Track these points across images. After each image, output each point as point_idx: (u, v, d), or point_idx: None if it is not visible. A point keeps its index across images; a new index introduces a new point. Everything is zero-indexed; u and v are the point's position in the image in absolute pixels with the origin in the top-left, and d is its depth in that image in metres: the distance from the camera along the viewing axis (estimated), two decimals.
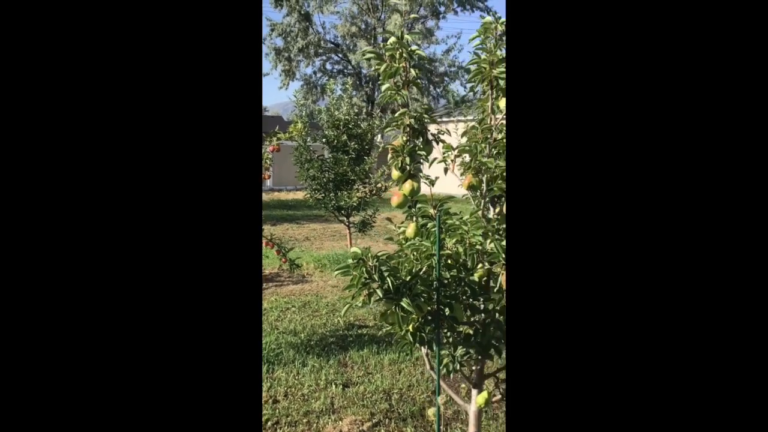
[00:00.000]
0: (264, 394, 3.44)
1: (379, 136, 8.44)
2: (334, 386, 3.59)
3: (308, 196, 7.69)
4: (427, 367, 2.29)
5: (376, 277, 1.68)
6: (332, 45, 22.84)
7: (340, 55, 23.08)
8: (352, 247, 1.76)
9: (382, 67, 1.95)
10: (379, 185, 7.69)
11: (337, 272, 1.79)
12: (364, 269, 1.69)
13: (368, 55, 1.98)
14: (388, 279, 1.67)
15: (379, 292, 1.70)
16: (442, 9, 21.43)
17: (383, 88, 2.03)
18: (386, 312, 1.81)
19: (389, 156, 2.04)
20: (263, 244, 4.00)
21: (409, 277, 1.79)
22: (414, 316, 1.79)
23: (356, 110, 7.76)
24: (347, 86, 7.79)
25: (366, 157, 7.63)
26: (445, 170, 2.16)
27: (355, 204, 7.43)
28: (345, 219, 7.80)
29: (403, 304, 1.70)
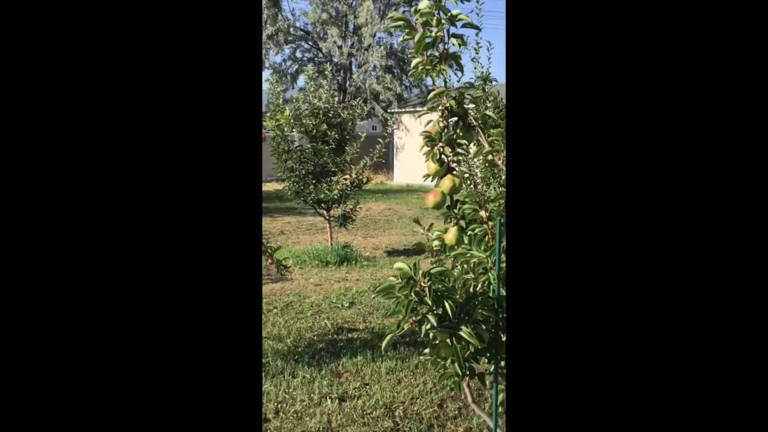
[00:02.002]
0: None
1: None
2: (329, 401, 3.25)
3: (286, 189, 7.28)
4: (469, 400, 1.86)
5: (429, 300, 1.32)
6: (302, 32, 22.26)
7: (310, 43, 22.52)
8: (396, 263, 1.40)
9: (416, 37, 1.60)
10: (361, 177, 7.33)
11: (377, 295, 1.43)
12: (413, 291, 1.34)
13: (396, 23, 1.63)
14: (445, 303, 1.32)
15: (431, 318, 1.35)
16: None
17: (414, 62, 1.68)
18: (438, 344, 1.44)
19: (422, 145, 1.69)
20: None
21: (464, 298, 1.44)
22: (473, 348, 1.43)
23: (337, 98, 7.37)
24: (327, 72, 7.38)
25: (347, 147, 7.25)
26: (491, 165, 1.80)
27: (336, 197, 7.06)
28: (324, 212, 7.42)
29: (462, 334, 1.35)
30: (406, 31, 1.65)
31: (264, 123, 3.57)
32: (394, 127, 17.93)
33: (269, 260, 3.69)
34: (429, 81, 1.84)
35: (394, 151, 19.05)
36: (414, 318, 1.36)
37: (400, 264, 1.39)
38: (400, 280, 1.35)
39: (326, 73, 7.43)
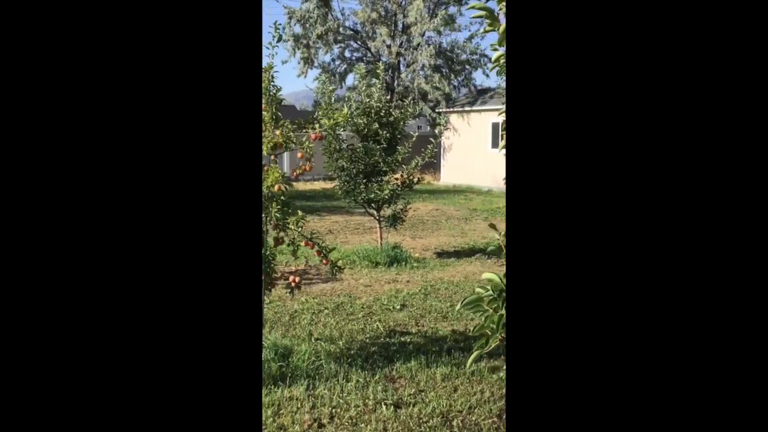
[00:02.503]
0: (306, 417, 3.02)
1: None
2: (384, 407, 3.16)
3: (337, 188, 7.24)
4: None
5: None
6: (351, 32, 22.30)
7: (359, 42, 22.55)
8: (484, 273, 1.30)
9: (501, 29, 1.49)
10: (412, 177, 7.23)
11: (463, 307, 1.32)
12: (505, 305, 1.23)
13: (476, 13, 1.52)
14: None
15: None
16: None
17: (495, 56, 1.57)
18: None
19: (502, 143, 1.58)
20: (303, 244, 3.57)
21: None
22: None
23: (388, 97, 7.28)
24: (379, 71, 7.31)
25: (399, 147, 7.16)
26: None
27: (386, 197, 6.97)
28: (375, 212, 7.35)
29: None
30: (488, 22, 1.54)
31: (322, 121, 3.51)
32: (446, 126, 17.70)
33: (324, 261, 3.63)
34: (477, 81, 1.74)
35: (442, 151, 18.87)
36: (503, 335, 1.25)
37: (490, 275, 1.28)
38: (489, 292, 1.24)
39: (378, 71, 7.35)
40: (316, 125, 3.51)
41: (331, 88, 7.21)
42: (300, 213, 3.41)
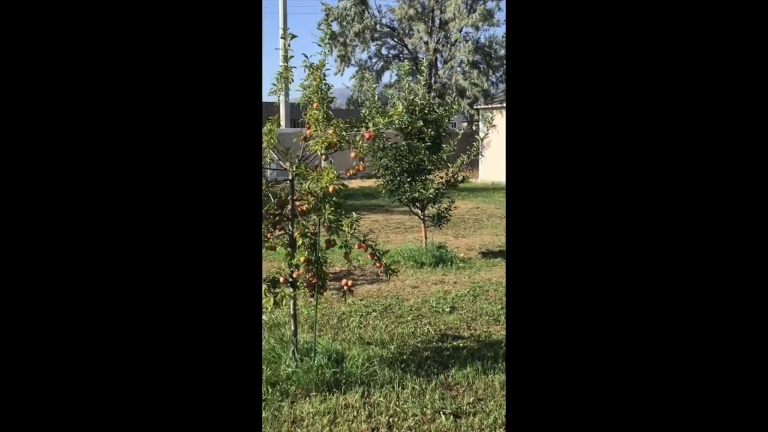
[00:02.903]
0: (364, 426, 2.92)
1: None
2: (443, 416, 3.04)
3: (381, 187, 7.14)
4: None
5: None
6: (388, 29, 22.18)
7: (395, 39, 22.41)
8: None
9: None
10: (457, 175, 7.07)
11: None
12: None
13: None
14: None
15: None
16: None
17: None
18: None
19: None
20: (356, 246, 3.47)
21: None
22: None
23: (432, 95, 7.14)
24: (423, 67, 7.16)
25: (443, 145, 7.01)
26: None
27: (431, 196, 6.83)
28: (419, 212, 7.22)
29: None
30: None
31: (376, 119, 3.41)
32: (491, 123, 17.33)
33: (377, 264, 3.52)
34: None
35: (480, 148, 18.60)
36: None
37: None
38: None
39: (422, 68, 7.21)
40: (369, 123, 3.40)
41: (374, 85, 7.09)
42: (354, 215, 3.31)
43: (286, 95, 14.55)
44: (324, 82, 3.43)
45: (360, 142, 3.37)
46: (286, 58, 3.52)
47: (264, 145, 3.38)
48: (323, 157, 3.40)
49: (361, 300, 5.28)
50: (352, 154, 3.41)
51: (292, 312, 3.56)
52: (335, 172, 3.15)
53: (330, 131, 3.30)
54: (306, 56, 3.37)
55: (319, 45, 3.44)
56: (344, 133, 3.35)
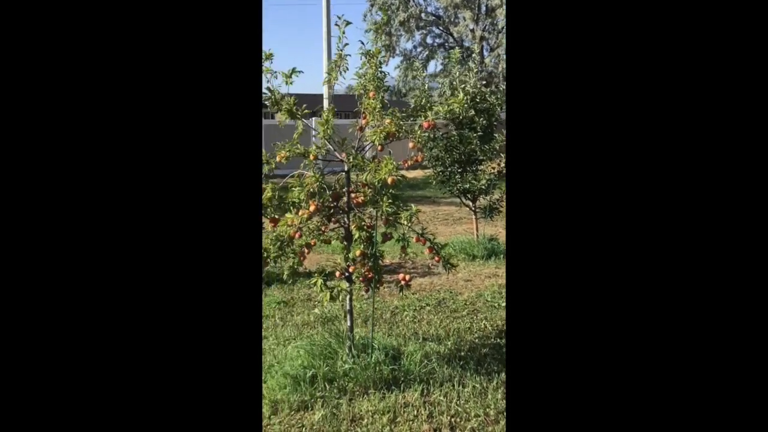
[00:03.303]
0: (425, 426, 2.82)
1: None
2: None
3: (432, 178, 7.00)
4: None
5: None
6: (433, 17, 21.90)
7: (441, 28, 22.11)
8: None
9: None
10: None
11: None
12: None
13: None
14: None
15: None
16: None
17: None
18: None
19: None
20: (414, 240, 3.36)
21: None
22: None
23: (484, 82, 6.95)
24: (475, 54, 6.96)
25: (496, 135, 6.81)
26: None
27: (483, 187, 6.66)
28: (470, 203, 7.05)
29: None
30: None
31: (435, 108, 3.28)
32: None
33: (436, 257, 3.40)
34: None
35: None
36: None
37: None
38: None
39: (474, 55, 7.01)
40: (429, 113, 3.27)
41: (423, 74, 6.95)
42: (414, 207, 3.20)
43: (332, 87, 14.50)
44: (380, 70, 3.32)
45: (419, 132, 3.24)
46: (336, 48, 3.41)
47: (320, 135, 3.29)
48: (379, 147, 3.30)
49: (413, 293, 5.18)
50: (410, 144, 3.29)
51: (348, 307, 3.47)
52: (394, 163, 3.04)
53: (387, 121, 3.19)
54: (362, 43, 3.27)
55: (376, 33, 3.33)
56: (401, 122, 3.24)
